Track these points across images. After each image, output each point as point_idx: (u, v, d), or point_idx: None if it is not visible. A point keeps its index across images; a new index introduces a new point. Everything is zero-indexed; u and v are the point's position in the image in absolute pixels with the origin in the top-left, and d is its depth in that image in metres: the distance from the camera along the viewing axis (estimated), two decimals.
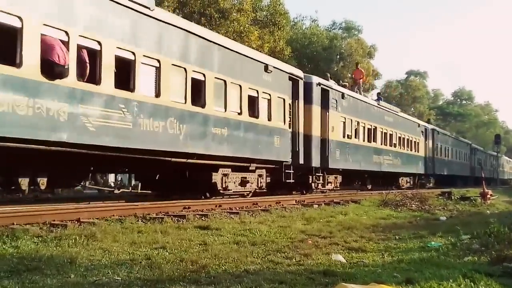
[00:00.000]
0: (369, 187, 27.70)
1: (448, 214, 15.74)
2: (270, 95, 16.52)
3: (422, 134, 34.74)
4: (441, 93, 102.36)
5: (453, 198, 21.93)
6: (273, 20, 34.34)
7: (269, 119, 16.53)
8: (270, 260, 6.93)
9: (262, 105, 16.21)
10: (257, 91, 15.86)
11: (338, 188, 22.33)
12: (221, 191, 14.72)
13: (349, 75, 48.87)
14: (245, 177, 15.81)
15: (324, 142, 20.09)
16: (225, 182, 14.80)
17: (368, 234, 10.00)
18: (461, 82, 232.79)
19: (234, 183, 15.32)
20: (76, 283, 5.20)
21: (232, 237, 8.73)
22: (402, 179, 31.13)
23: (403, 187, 30.04)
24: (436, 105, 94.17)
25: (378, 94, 34.60)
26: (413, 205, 17.76)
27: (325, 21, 73.02)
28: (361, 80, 28.89)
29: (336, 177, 21.78)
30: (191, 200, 13.38)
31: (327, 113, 20.31)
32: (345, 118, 22.18)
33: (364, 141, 24.65)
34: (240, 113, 14.97)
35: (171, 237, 8.20)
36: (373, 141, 25.81)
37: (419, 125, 34.73)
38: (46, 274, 5.53)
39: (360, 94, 26.65)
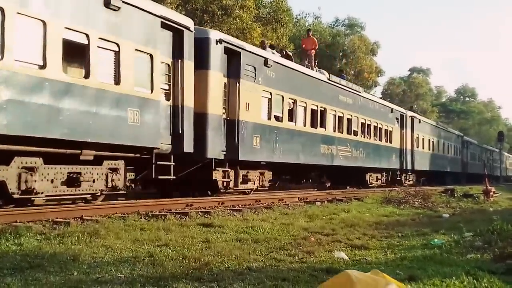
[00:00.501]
0: (328, 184, 23.27)
1: (451, 212, 15.72)
2: (118, 45, 10.80)
3: (397, 122, 28.83)
4: (444, 90, 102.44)
5: (456, 195, 21.94)
6: (276, 17, 34.27)
7: (117, 82, 10.80)
8: (272, 257, 6.93)
9: (101, 59, 10.45)
10: (87, 36, 10.08)
11: (267, 188, 17.10)
12: (16, 196, 9.17)
13: (352, 72, 48.90)
14: (78, 173, 10.26)
15: (231, 124, 14.63)
16: (29, 181, 9.20)
17: (371, 232, 10.00)
18: (464, 79, 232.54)
19: (52, 181, 9.72)
20: (79, 280, 5.21)
21: (235, 234, 8.74)
22: (370, 175, 25.79)
23: (372, 185, 25.62)
24: (439, 102, 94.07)
25: (340, 71, 29.03)
26: (415, 203, 17.76)
27: (328, 18, 73.15)
28: (312, 50, 22.21)
29: (262, 173, 16.50)
30: (193, 198, 13.39)
31: (237, 84, 14.62)
32: (271, 94, 16.26)
33: (305, 126, 18.72)
34: (43, 67, 9.20)
35: (174, 234, 8.21)
36: (321, 127, 19.97)
37: (392, 110, 28.29)
38: (49, 271, 5.54)
39: (312, 69, 20.78)
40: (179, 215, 10.39)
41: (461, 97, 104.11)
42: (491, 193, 22.08)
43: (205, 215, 10.79)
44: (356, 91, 23.72)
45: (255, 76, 15.45)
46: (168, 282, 5.28)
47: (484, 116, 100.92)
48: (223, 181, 14.54)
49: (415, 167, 31.11)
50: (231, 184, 14.96)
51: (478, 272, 6.10)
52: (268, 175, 16.92)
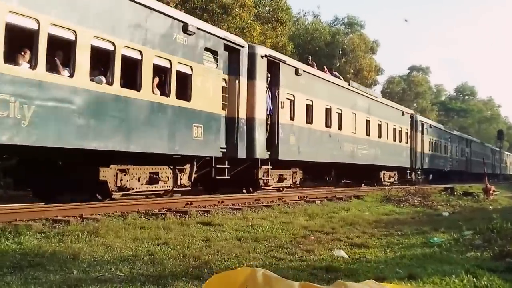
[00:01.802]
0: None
1: (451, 210, 15.73)
2: None
3: (215, 59, 13.89)
4: (443, 88, 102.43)
5: (455, 193, 21.96)
6: (275, 16, 34.24)
7: None
8: (272, 256, 6.93)
9: None
10: None
11: None
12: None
13: (352, 70, 48.91)
14: None
15: None
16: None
17: (370, 230, 9.99)
18: (463, 77, 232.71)
19: None
20: (78, 279, 5.21)
21: (235, 233, 8.74)
22: (162, 170, 12.71)
23: (131, 191, 11.95)
24: (438, 100, 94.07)
25: None
26: (415, 201, 17.77)
27: (328, 17, 73.20)
28: None
29: None
30: (194, 196, 13.38)
31: None
32: None
33: None
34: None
35: (174, 233, 8.21)
36: None
37: (186, 28, 12.53)
38: (48, 270, 5.54)
39: None
40: (179, 214, 10.39)
41: (461, 95, 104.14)
42: (491, 192, 22.10)
43: (205, 214, 10.79)
44: None
45: None
46: (167, 281, 5.28)
47: (484, 114, 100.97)
48: None
49: (280, 156, 16.71)
50: None
51: (477, 270, 6.10)
52: None
